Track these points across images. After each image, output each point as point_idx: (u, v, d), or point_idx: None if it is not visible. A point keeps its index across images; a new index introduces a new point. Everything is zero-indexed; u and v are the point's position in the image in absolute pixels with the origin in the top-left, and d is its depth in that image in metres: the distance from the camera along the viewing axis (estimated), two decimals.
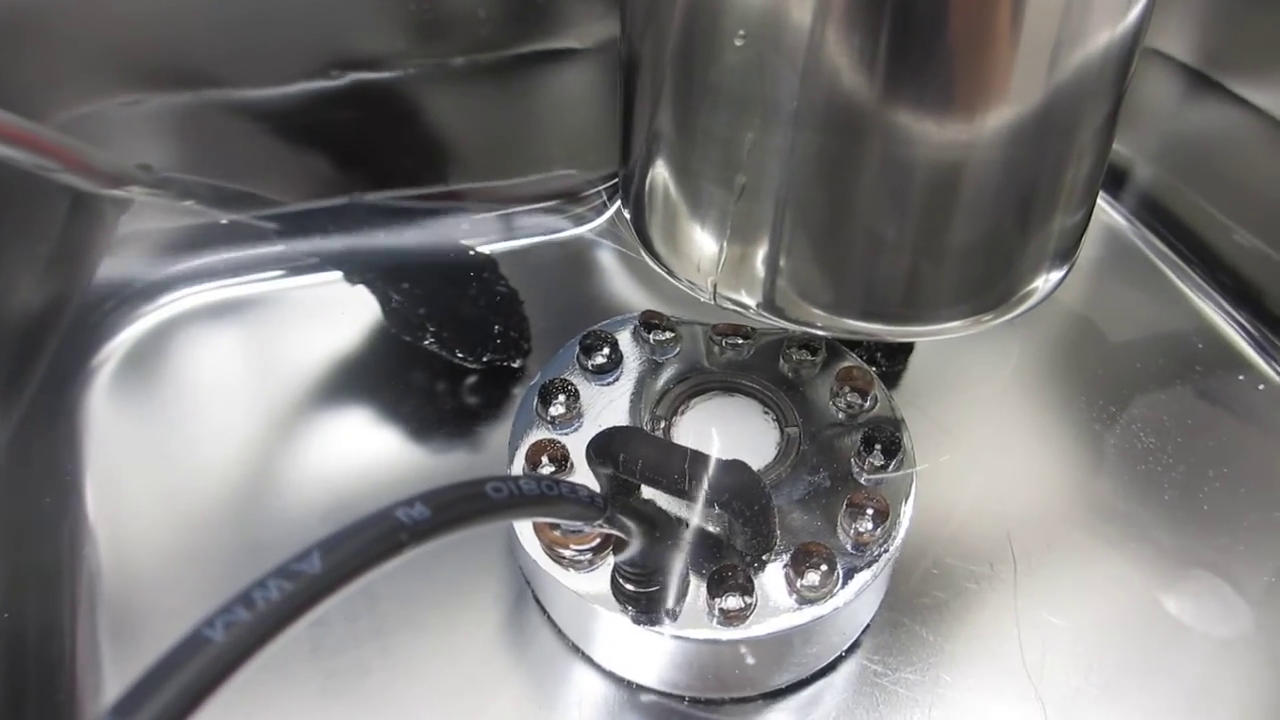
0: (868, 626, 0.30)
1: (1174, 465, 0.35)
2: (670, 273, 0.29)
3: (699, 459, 0.27)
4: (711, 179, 0.25)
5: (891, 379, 0.35)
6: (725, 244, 0.26)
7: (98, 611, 0.31)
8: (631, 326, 0.33)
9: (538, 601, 0.31)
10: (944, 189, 0.24)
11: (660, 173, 0.27)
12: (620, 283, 0.41)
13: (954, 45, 0.22)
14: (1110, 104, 0.25)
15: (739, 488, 0.27)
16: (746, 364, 0.32)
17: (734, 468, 0.27)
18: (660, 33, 0.25)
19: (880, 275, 0.26)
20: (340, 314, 0.37)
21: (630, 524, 0.25)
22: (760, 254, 0.26)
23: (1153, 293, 0.42)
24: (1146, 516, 0.34)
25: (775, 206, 0.25)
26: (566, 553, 0.27)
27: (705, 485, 0.26)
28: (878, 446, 0.30)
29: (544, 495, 0.21)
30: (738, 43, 0.23)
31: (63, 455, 0.34)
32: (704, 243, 0.27)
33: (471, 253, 0.36)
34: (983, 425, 0.36)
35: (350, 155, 0.37)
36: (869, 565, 0.28)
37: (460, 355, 0.34)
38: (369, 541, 0.17)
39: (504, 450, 0.31)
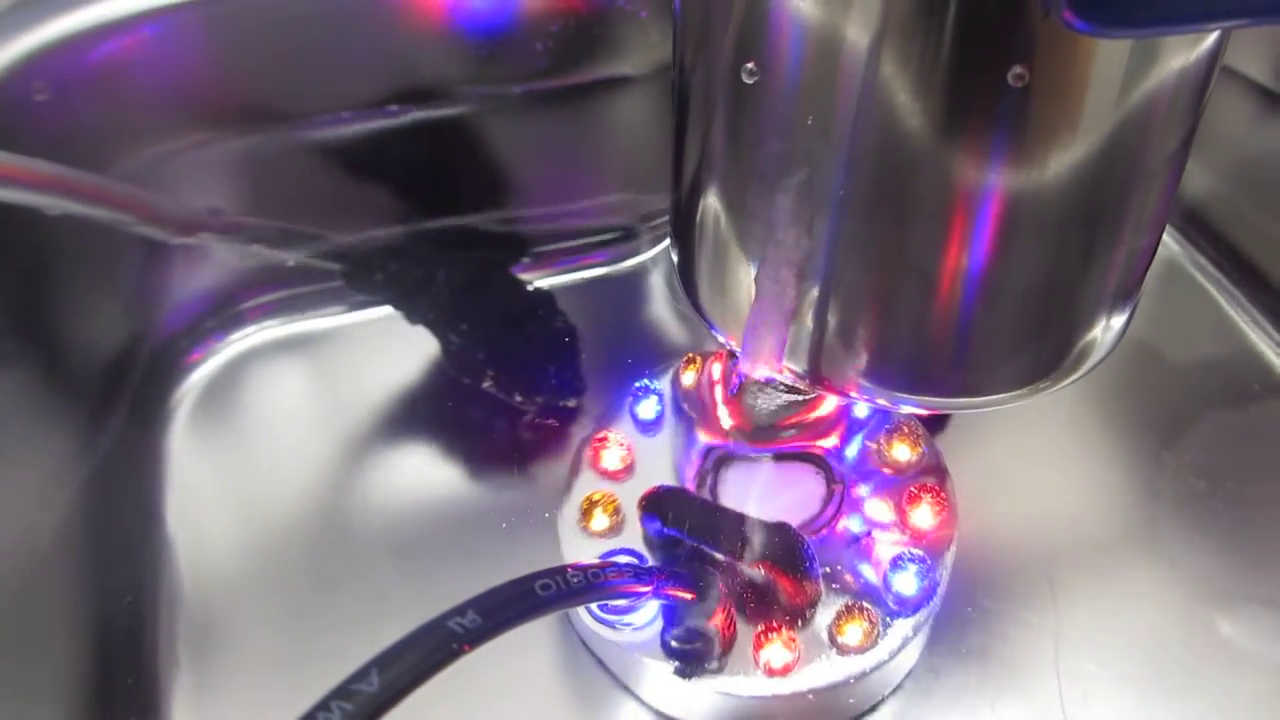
0: (910, 671, 0.31)
1: (1224, 510, 0.35)
2: (715, 328, 0.30)
3: (743, 520, 0.28)
4: (756, 255, 0.26)
5: (940, 418, 0.36)
6: None
7: (177, 623, 0.33)
8: (679, 375, 0.34)
9: (585, 644, 0.32)
10: (996, 258, 0.24)
11: (707, 243, 0.27)
12: (676, 313, 0.42)
13: (1011, 130, 0.21)
14: (1189, 124, 0.24)
15: (782, 550, 0.28)
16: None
17: (778, 530, 0.28)
18: (707, 121, 0.25)
19: (931, 346, 0.26)
20: (402, 349, 0.39)
21: (677, 593, 0.26)
22: (806, 325, 0.26)
23: (1206, 324, 0.41)
24: (1192, 563, 0.34)
25: (821, 283, 0.25)
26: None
27: (750, 546, 0.27)
28: (923, 502, 0.30)
29: (591, 584, 0.22)
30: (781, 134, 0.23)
31: (145, 484, 0.36)
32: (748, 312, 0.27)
33: (530, 288, 0.37)
34: (1026, 466, 0.36)
35: (411, 189, 0.38)
36: (910, 619, 0.29)
37: (518, 399, 0.36)
38: (424, 655, 0.18)
39: (558, 485, 0.32)
